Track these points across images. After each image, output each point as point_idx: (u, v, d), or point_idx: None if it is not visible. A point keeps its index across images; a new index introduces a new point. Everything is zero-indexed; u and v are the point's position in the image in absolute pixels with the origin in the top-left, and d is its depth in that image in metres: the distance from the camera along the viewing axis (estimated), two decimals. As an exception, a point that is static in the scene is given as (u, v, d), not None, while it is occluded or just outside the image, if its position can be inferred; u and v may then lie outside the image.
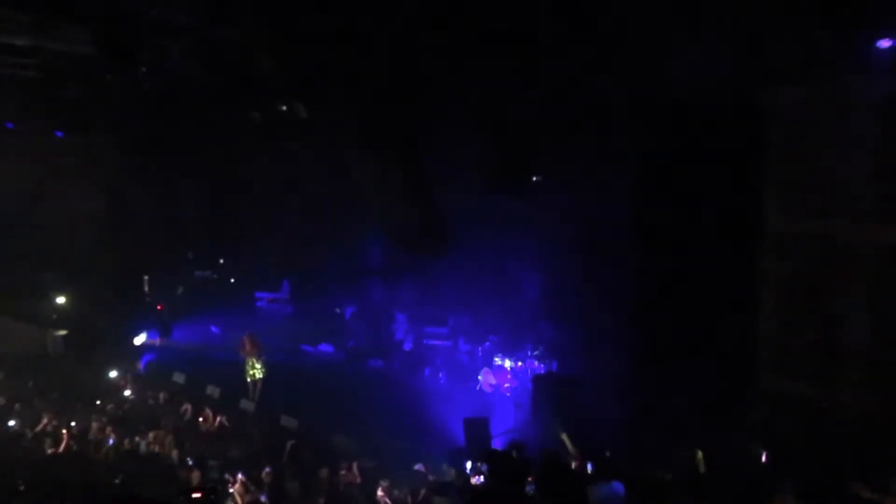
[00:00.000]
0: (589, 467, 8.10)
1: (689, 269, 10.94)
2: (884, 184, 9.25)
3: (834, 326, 9.72)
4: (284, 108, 12.49)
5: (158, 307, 18.71)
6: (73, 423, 11.88)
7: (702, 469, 8.27)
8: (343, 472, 10.14)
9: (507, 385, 14.53)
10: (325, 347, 17.74)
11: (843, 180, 9.62)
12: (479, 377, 14.74)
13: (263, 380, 14.31)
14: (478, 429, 11.63)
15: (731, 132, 10.43)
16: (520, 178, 12.81)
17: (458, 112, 12.05)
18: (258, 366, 14.29)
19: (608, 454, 8.32)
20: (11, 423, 12.18)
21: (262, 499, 9.29)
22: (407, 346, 16.89)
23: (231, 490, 9.36)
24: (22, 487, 8.64)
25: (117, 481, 9.48)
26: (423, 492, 9.25)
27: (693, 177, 10.84)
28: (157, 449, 11.16)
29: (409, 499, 9.27)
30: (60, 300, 17.75)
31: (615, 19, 8.84)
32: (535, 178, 14.04)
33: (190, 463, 10.42)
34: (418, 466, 10.16)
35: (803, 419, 9.73)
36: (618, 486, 6.26)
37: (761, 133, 10.29)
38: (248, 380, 14.30)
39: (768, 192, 10.39)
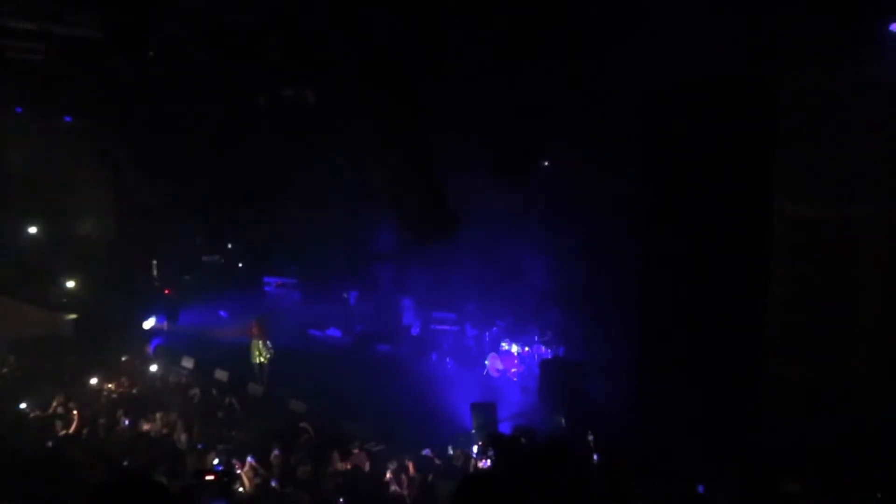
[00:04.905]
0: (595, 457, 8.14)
1: (699, 254, 10.90)
2: (896, 168, 9.19)
3: (846, 311, 9.68)
4: (292, 93, 12.47)
5: (166, 292, 18.81)
6: (83, 406, 11.97)
7: None
8: (351, 456, 10.19)
9: (514, 370, 14.56)
10: (333, 332, 17.81)
11: (856, 164, 9.55)
12: (487, 362, 14.78)
13: (269, 363, 14.38)
14: (485, 413, 11.68)
15: (742, 115, 10.35)
16: (528, 164, 12.77)
17: (467, 96, 12.00)
18: (263, 350, 14.37)
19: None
20: (22, 405, 12.27)
21: (271, 482, 9.36)
22: (414, 331, 16.94)
23: (239, 472, 9.43)
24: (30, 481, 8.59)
25: (127, 463, 9.55)
26: (430, 476, 9.30)
27: (703, 161, 10.78)
28: (166, 432, 11.24)
29: (417, 482, 9.31)
30: (70, 284, 17.84)
31: (625, 1, 8.78)
32: (543, 164, 14.01)
33: (199, 446, 10.49)
34: (426, 452, 10.20)
35: (814, 403, 9.72)
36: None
37: (773, 116, 10.21)
38: (255, 363, 14.39)
39: (779, 176, 10.32)
